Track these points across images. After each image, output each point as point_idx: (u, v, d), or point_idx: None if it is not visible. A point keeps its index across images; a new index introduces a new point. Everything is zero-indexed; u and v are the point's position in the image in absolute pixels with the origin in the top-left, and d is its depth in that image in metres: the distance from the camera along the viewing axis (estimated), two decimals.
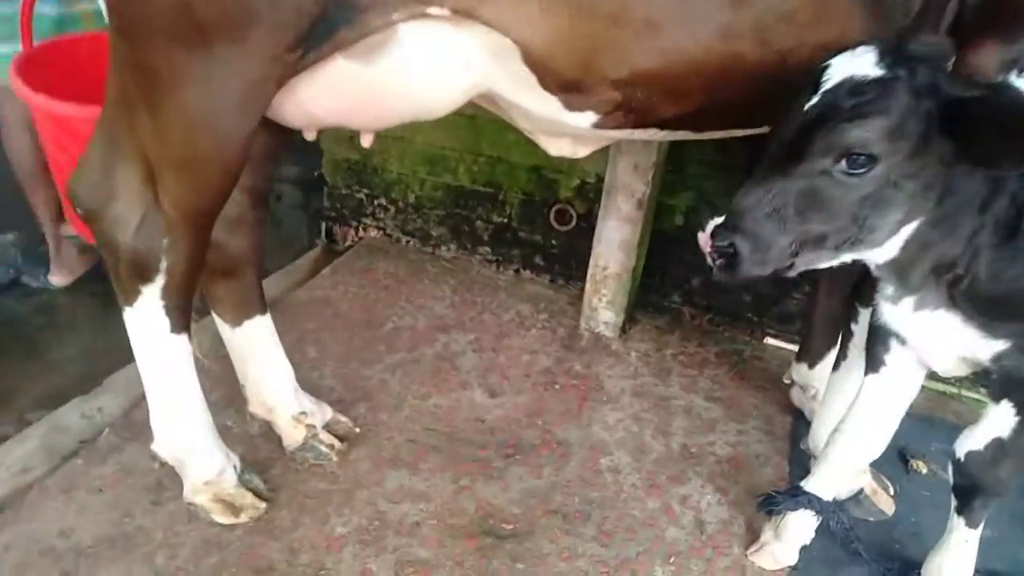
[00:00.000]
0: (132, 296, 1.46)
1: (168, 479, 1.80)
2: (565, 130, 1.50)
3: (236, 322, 1.78)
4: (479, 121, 2.57)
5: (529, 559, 1.70)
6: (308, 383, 2.04)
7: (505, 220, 2.73)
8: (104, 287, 2.83)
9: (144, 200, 1.38)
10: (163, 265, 1.43)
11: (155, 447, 1.67)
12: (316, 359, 2.27)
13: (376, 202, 2.91)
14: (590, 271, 2.45)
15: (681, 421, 2.16)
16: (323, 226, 3.05)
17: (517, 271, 2.80)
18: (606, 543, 1.76)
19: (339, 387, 2.17)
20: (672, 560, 1.73)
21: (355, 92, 1.33)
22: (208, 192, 1.39)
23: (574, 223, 2.62)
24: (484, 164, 2.66)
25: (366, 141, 1.61)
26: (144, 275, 1.43)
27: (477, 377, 2.26)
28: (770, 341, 2.52)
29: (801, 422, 2.16)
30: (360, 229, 2.99)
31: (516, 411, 2.15)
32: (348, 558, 1.67)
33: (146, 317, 1.48)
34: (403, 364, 2.29)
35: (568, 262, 2.70)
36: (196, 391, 1.62)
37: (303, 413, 1.89)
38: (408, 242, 2.94)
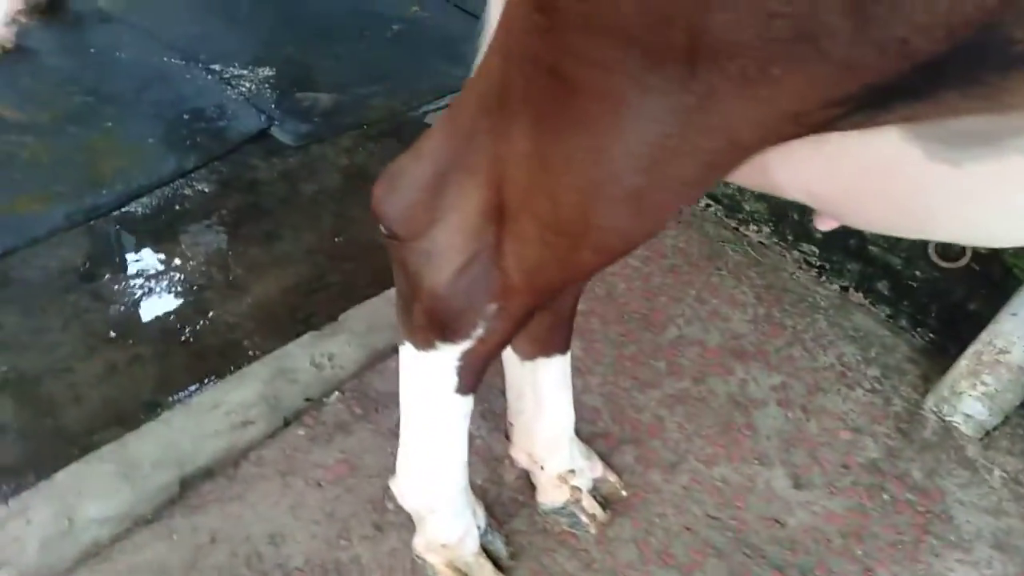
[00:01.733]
0: (421, 343, 1.02)
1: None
2: None
3: (529, 356, 1.31)
4: None
5: None
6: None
7: None
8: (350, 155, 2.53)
9: (477, 241, 0.90)
10: (478, 332, 0.96)
11: (395, 488, 1.30)
12: (581, 360, 1.81)
13: None
14: (974, 345, 1.74)
15: None
16: None
17: (845, 289, 2.12)
18: None
19: (605, 414, 1.71)
20: None
21: (906, 185, 0.70)
22: (582, 270, 0.88)
23: (966, 260, 1.87)
24: None
25: (824, 225, 0.95)
26: (447, 334, 0.98)
27: (779, 450, 1.71)
28: None
29: None
30: None
31: (827, 521, 1.59)
32: None
33: (432, 370, 1.05)
34: (687, 399, 1.77)
35: (929, 304, 1.98)
36: (463, 454, 1.20)
37: (571, 471, 1.45)
38: (709, 208, 2.31)
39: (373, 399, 1.64)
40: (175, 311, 1.93)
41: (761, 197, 2.17)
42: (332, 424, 1.58)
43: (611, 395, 1.75)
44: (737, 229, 2.27)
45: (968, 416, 1.80)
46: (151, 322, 1.88)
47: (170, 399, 1.70)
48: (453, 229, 0.89)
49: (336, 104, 2.77)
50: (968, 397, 1.78)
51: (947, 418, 1.84)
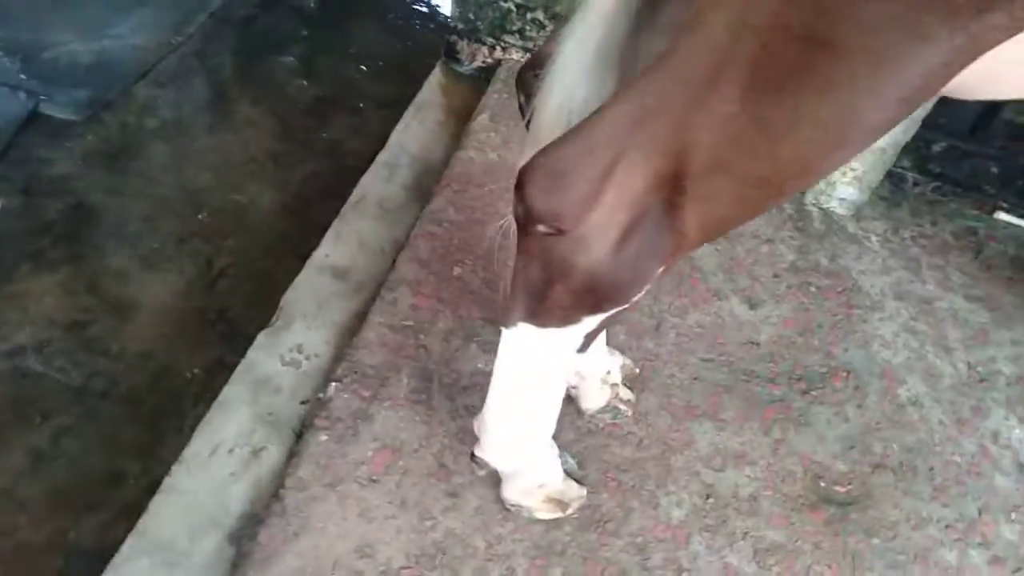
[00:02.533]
0: (558, 322, 0.98)
1: (449, 456, 1.44)
2: None
3: None
4: None
5: (881, 531, 1.53)
6: None
7: None
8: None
9: (639, 212, 0.85)
10: (638, 296, 0.93)
11: (487, 455, 1.27)
12: None
13: (529, 16, 2.22)
14: None
15: (954, 332, 1.94)
16: (445, 41, 2.34)
17: None
18: (946, 502, 1.60)
19: None
20: (1013, 516, 1.62)
21: None
22: (767, 206, 0.87)
23: None
24: None
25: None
26: (601, 305, 0.94)
27: (726, 281, 1.90)
28: (1002, 216, 2.25)
29: None
30: (497, 49, 2.31)
31: (785, 327, 1.84)
32: (702, 552, 1.43)
33: (561, 341, 1.01)
34: None
35: None
36: (560, 401, 1.20)
37: (608, 372, 1.51)
38: None
39: (372, 375, 1.54)
40: (66, 364, 1.61)
41: None
42: (348, 417, 1.47)
43: None
44: None
45: (843, 199, 2.12)
46: (46, 381, 1.57)
47: (138, 466, 1.47)
48: (611, 207, 0.84)
49: (99, 54, 2.29)
50: (841, 184, 2.09)
51: (825, 206, 2.14)
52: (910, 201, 2.26)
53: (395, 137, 2.11)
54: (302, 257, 1.84)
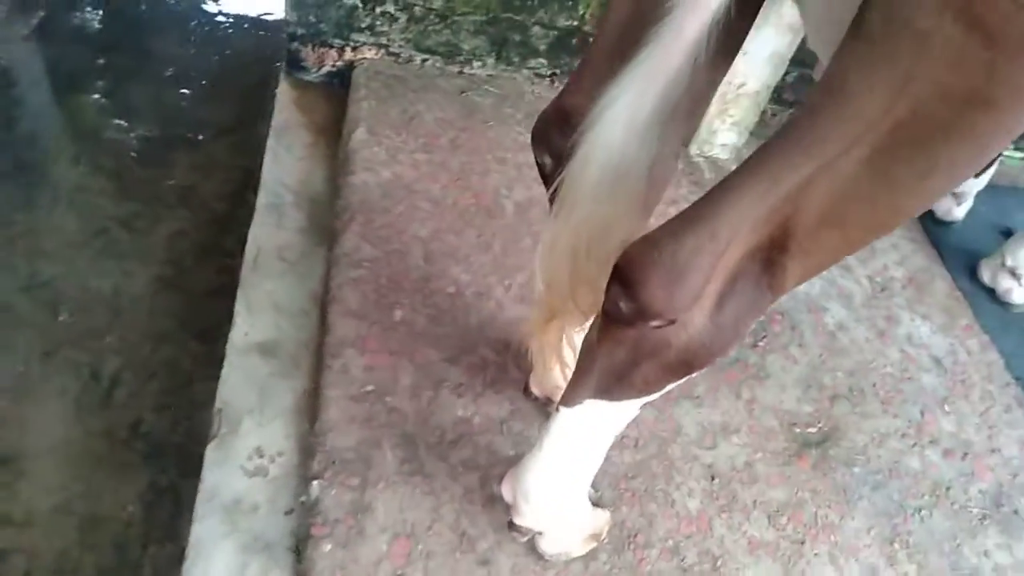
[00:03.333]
0: (641, 393, 0.91)
1: (466, 522, 1.35)
2: None
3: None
4: None
5: (857, 459, 1.64)
6: None
7: (575, 23, 2.10)
8: None
9: (734, 275, 0.78)
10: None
11: (523, 521, 1.19)
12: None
13: (379, 10, 2.02)
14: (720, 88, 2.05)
15: None
16: (284, 49, 2.08)
17: None
18: (895, 412, 1.76)
19: None
20: (947, 408, 1.81)
21: None
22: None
23: None
24: None
25: None
26: (694, 371, 0.88)
27: None
28: None
29: None
30: (347, 50, 2.09)
31: None
32: (726, 533, 1.46)
33: (636, 406, 0.95)
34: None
35: None
36: None
37: None
38: (426, 62, 2.15)
39: (353, 459, 1.38)
40: None
41: (480, 31, 2.09)
42: (345, 515, 1.31)
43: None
44: (462, 72, 2.18)
45: (724, 145, 2.19)
46: None
47: None
48: (705, 279, 0.76)
49: None
50: (722, 131, 2.15)
51: (709, 154, 2.20)
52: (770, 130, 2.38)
53: (267, 174, 1.87)
54: (204, 335, 1.60)
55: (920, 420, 1.76)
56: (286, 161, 1.93)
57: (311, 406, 1.47)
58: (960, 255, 2.18)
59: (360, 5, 2.00)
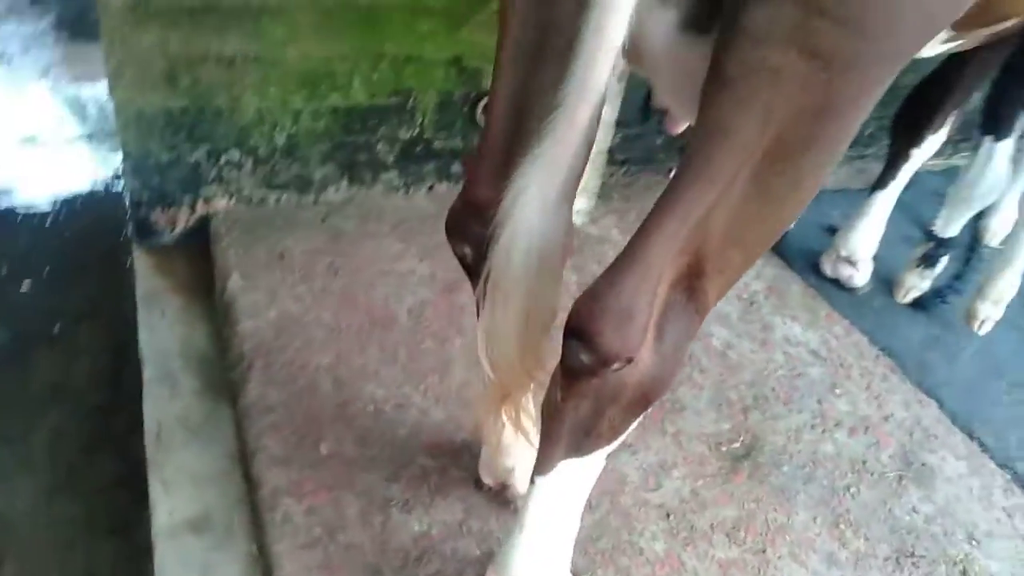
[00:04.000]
0: (609, 440, 0.97)
1: None
2: None
3: None
4: (380, 12, 1.92)
5: (782, 459, 1.76)
6: None
7: (416, 132, 2.21)
8: None
9: (665, 308, 0.86)
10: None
11: None
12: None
13: (224, 159, 2.03)
14: None
15: None
16: (131, 218, 2.02)
17: (431, 188, 2.35)
18: (798, 408, 1.91)
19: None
20: (838, 391, 1.99)
21: None
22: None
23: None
24: (387, 69, 2.04)
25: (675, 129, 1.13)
26: (650, 404, 0.94)
27: None
28: None
29: None
30: (198, 205, 2.07)
31: None
32: (697, 565, 1.51)
33: (604, 453, 1.00)
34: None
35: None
36: None
37: None
38: (278, 199, 2.17)
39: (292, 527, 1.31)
40: None
41: (329, 158, 2.15)
42: None
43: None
44: (318, 200, 2.22)
45: (577, 211, 2.35)
46: None
47: None
48: (648, 315, 0.84)
49: None
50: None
51: None
52: (616, 189, 2.60)
53: (147, 346, 1.79)
54: (116, 530, 1.49)
55: (820, 408, 1.93)
56: (162, 329, 1.85)
57: (262, 568, 1.38)
58: (801, 257, 2.44)
59: (204, 159, 2.00)
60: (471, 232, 1.01)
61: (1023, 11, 1.13)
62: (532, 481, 1.05)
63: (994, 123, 2.05)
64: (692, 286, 0.88)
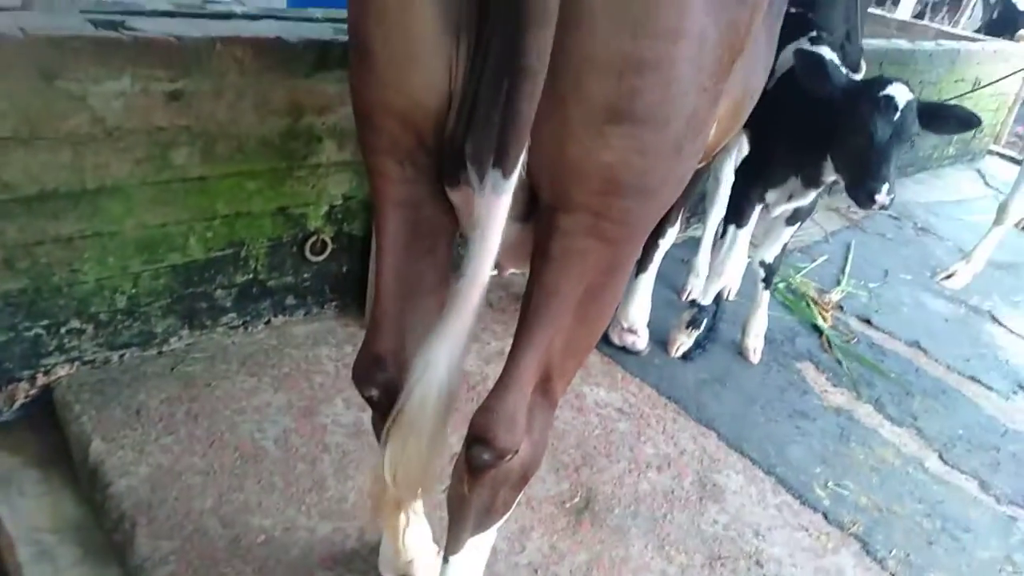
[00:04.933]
0: (503, 513, 1.35)
1: None
2: None
3: None
4: (211, 180, 2.14)
5: (612, 501, 2.16)
6: None
7: (251, 276, 2.40)
8: None
9: (529, 410, 1.21)
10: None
11: None
12: None
13: (64, 329, 2.08)
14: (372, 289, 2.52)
15: None
16: None
17: (268, 322, 2.53)
18: (611, 455, 2.34)
19: None
20: (642, 438, 2.45)
21: None
22: None
23: (329, 250, 2.54)
24: (221, 226, 2.24)
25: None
26: (529, 477, 1.30)
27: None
28: None
29: None
30: (38, 377, 2.09)
31: None
32: None
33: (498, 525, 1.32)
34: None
35: (321, 288, 2.62)
36: None
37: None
38: (123, 356, 2.24)
39: None
40: None
41: (169, 311, 2.27)
42: None
43: None
44: (162, 352, 2.32)
45: None
46: None
47: None
48: (525, 418, 1.17)
49: None
50: None
51: None
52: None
53: (14, 528, 1.78)
54: None
55: (633, 455, 2.37)
56: (26, 506, 1.86)
57: None
58: None
59: (44, 333, 2.05)
60: (376, 379, 1.29)
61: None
62: (445, 560, 1.33)
63: (736, 216, 2.73)
64: (546, 389, 1.25)
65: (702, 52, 1.00)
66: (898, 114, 2.19)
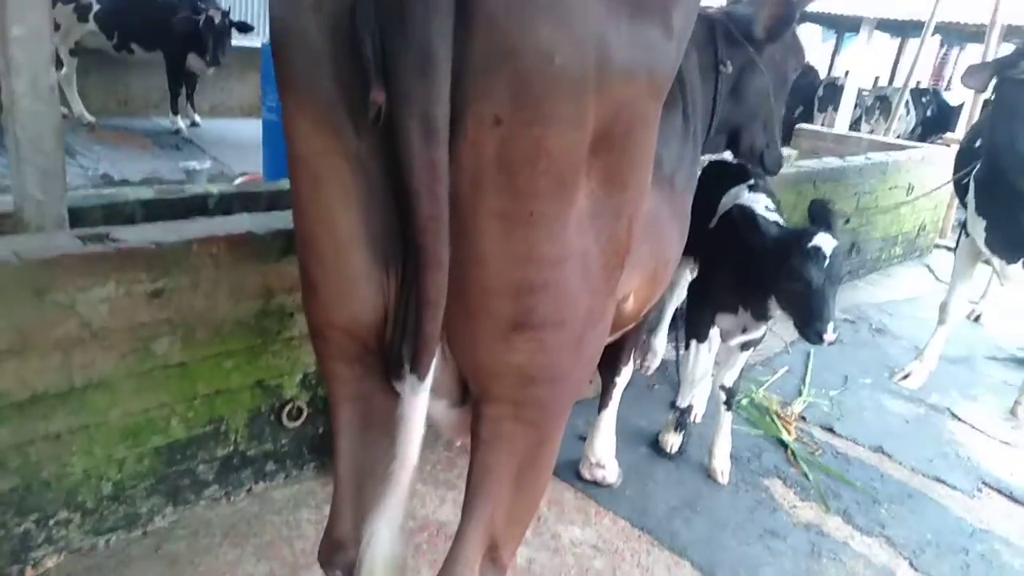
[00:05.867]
0: None
1: None
2: None
3: None
4: (191, 364, 2.31)
5: None
6: None
7: (231, 448, 2.53)
8: None
9: (480, 573, 1.33)
10: None
11: None
12: None
13: (52, 521, 2.18)
14: None
15: None
16: None
17: (250, 490, 2.64)
18: None
19: None
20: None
21: None
22: None
23: (305, 414, 2.68)
24: (201, 405, 2.39)
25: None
26: None
27: None
28: None
29: None
30: (29, 569, 2.17)
31: None
32: None
33: None
34: None
35: (300, 451, 2.74)
36: None
37: None
38: (108, 541, 2.32)
39: None
40: None
41: (154, 491, 2.37)
42: None
43: None
44: (146, 532, 2.40)
45: None
46: None
47: None
48: None
49: None
50: None
51: None
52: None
53: None
54: None
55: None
56: None
57: None
58: (567, 468, 3.04)
59: (32, 527, 2.15)
60: (338, 561, 1.42)
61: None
62: None
63: (695, 331, 2.94)
64: (494, 557, 1.39)
65: (586, 266, 1.21)
66: (827, 261, 2.43)
